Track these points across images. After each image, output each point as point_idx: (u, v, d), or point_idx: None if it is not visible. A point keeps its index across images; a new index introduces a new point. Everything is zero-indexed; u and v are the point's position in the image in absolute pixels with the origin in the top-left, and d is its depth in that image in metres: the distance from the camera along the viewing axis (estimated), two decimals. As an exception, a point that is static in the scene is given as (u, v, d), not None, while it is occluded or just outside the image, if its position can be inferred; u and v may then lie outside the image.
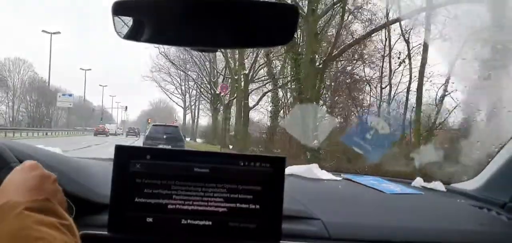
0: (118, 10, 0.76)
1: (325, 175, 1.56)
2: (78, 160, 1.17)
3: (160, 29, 0.77)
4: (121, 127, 66.38)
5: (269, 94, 22.34)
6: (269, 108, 20.55)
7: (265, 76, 23.72)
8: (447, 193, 1.59)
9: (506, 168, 1.46)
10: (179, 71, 40.26)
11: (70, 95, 49.83)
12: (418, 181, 1.64)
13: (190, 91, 46.97)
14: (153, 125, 19.97)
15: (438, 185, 1.63)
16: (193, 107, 48.95)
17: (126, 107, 60.57)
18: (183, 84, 45.90)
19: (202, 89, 37.00)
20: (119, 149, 0.86)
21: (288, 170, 1.54)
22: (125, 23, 0.76)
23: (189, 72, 36.56)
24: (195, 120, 48.93)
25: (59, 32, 47.77)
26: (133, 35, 0.76)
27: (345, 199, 1.34)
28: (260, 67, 23.60)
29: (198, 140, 39.59)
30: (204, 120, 48.15)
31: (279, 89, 19.97)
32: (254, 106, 24.62)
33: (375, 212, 1.21)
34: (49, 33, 45.53)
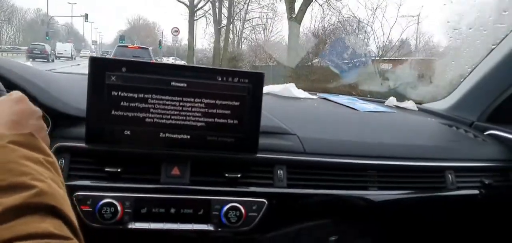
0: None
1: (302, 93, 1.58)
2: (51, 73, 1.14)
3: None
4: (95, 50, 53.05)
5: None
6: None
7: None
8: (418, 112, 1.64)
9: (475, 89, 1.50)
10: None
11: None
12: (391, 100, 1.68)
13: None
14: (119, 46, 16.90)
15: (410, 105, 1.68)
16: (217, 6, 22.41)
17: (87, 15, 39.04)
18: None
19: None
20: (94, 60, 0.84)
21: (265, 89, 1.54)
22: None
23: None
24: (224, 37, 21.50)
25: None
26: None
27: (321, 116, 1.37)
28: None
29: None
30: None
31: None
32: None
33: (349, 129, 1.25)
34: None
